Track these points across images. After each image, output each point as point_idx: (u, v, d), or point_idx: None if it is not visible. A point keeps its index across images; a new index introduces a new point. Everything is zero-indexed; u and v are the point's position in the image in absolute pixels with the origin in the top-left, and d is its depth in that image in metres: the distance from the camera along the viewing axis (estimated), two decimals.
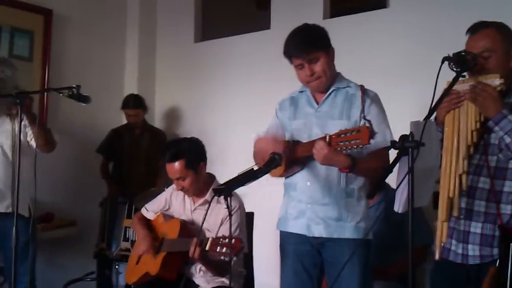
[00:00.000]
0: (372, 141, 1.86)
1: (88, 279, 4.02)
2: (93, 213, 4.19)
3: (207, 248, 2.40)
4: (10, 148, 3.04)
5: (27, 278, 2.81)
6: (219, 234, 2.45)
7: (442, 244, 2.04)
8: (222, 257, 2.35)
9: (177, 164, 2.68)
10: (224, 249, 2.32)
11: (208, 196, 2.78)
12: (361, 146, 1.85)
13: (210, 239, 2.40)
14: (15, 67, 3.05)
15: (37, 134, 2.86)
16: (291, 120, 2.32)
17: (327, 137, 1.96)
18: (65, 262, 4.19)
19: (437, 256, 2.02)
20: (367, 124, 1.90)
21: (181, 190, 2.77)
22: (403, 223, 2.76)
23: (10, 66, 3.07)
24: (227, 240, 2.33)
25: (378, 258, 2.75)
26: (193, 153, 2.75)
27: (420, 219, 2.68)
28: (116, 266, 3.72)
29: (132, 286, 2.89)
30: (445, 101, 1.98)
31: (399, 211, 1.81)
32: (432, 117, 1.87)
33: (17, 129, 2.95)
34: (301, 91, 2.35)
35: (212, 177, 2.87)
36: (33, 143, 2.96)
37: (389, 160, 2.27)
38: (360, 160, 2.09)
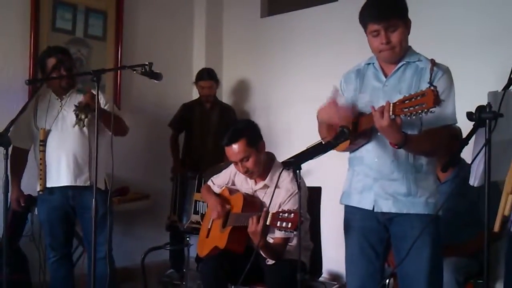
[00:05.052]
0: (434, 109, 1.77)
1: (168, 248, 4.18)
2: (165, 187, 4.34)
3: (268, 222, 2.43)
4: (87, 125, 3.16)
5: (105, 248, 2.93)
6: None
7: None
8: (283, 232, 2.37)
9: (239, 144, 2.69)
10: (284, 224, 2.34)
11: (267, 180, 2.78)
12: (426, 110, 1.76)
13: (270, 214, 2.43)
14: (90, 46, 3.17)
15: (111, 124, 2.90)
16: (356, 92, 2.25)
17: (391, 105, 1.90)
18: (139, 233, 4.39)
19: (496, 228, 1.93)
20: (432, 88, 1.79)
21: (246, 173, 2.76)
22: (477, 200, 2.69)
23: (86, 45, 3.18)
24: (287, 215, 2.34)
25: (451, 235, 2.68)
26: (252, 131, 2.79)
27: (495, 194, 2.57)
28: (187, 238, 3.85)
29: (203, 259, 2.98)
30: None
31: (475, 185, 1.76)
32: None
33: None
34: (368, 63, 2.27)
35: (271, 157, 2.87)
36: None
37: (446, 140, 2.16)
38: (413, 139, 2.00)
